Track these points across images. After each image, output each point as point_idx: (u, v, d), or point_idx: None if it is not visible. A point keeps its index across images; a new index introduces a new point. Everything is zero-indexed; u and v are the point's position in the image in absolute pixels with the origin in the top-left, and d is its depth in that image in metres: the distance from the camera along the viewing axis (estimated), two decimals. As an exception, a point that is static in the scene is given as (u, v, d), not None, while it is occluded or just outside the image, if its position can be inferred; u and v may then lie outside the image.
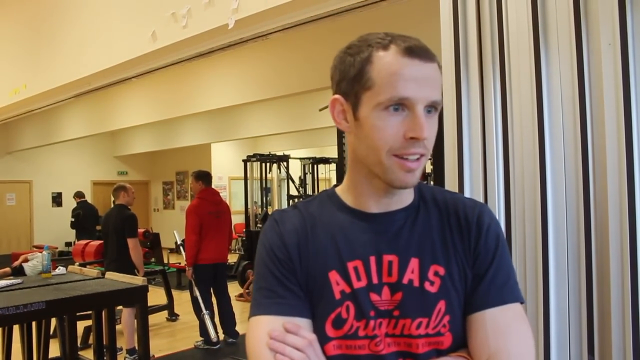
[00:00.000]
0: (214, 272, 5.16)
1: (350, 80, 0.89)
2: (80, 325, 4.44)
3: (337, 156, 4.83)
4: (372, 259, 0.91)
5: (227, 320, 5.26)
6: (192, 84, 6.90)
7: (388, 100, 0.84)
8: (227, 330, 5.26)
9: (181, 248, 5.77)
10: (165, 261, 8.53)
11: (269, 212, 8.44)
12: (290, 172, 9.08)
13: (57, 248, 11.03)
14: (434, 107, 0.87)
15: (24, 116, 6.73)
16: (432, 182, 4.18)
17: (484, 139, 1.81)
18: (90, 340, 4.66)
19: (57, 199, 12.84)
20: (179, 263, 8.60)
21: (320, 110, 5.82)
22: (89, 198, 11.32)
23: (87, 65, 4.52)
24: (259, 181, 9.06)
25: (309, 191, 9.46)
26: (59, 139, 10.15)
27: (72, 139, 10.21)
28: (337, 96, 0.93)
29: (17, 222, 12.30)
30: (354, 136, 0.92)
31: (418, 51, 0.85)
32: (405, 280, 0.90)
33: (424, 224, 0.95)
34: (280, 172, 9.90)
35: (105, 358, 3.31)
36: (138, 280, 3.28)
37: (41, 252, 3.72)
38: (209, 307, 5.08)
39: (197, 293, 5.06)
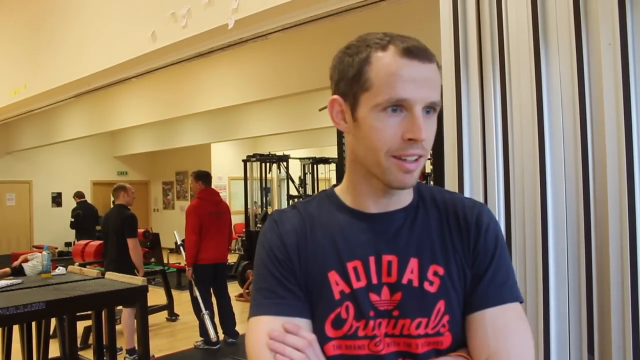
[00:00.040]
0: (213, 272, 5.16)
1: (349, 80, 0.89)
2: (80, 326, 4.44)
3: (336, 156, 4.83)
4: (372, 259, 0.91)
5: (227, 320, 5.26)
6: (192, 84, 6.90)
7: (386, 101, 0.84)
8: (227, 330, 5.26)
9: (181, 248, 5.77)
10: (165, 261, 8.53)
11: (269, 212, 8.43)
12: (290, 172, 9.08)
13: (56, 248, 11.03)
14: (432, 108, 0.87)
15: (24, 116, 6.73)
16: (431, 182, 4.18)
17: (484, 139, 1.81)
18: (90, 341, 4.66)
19: (56, 199, 12.84)
20: (179, 263, 8.60)
21: (320, 110, 5.83)
22: (88, 198, 11.31)
23: (87, 65, 4.52)
24: (258, 181, 9.06)
25: (309, 191, 9.46)
26: (59, 139, 10.14)
27: (72, 139, 10.21)
28: (335, 96, 0.93)
29: (17, 222, 12.30)
30: (353, 137, 0.92)
31: (416, 52, 0.85)
32: (404, 280, 0.90)
33: (423, 224, 0.94)
34: (280, 172, 9.90)
35: (105, 358, 3.31)
36: (138, 280, 3.28)
37: (41, 252, 3.71)
38: (209, 307, 5.08)
39: (197, 293, 5.06)
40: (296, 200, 8.26)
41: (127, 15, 4.08)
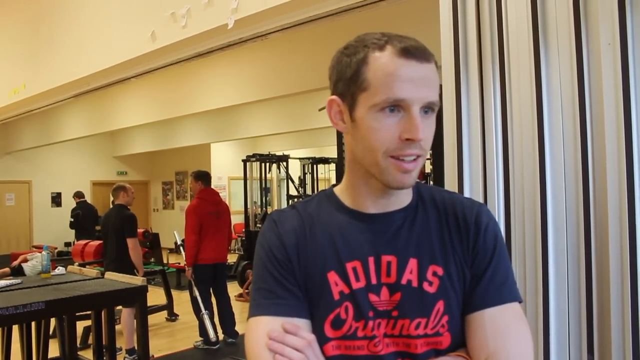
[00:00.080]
0: (213, 272, 5.16)
1: (347, 81, 0.89)
2: (80, 326, 4.43)
3: (336, 156, 4.83)
4: (371, 260, 0.91)
5: (227, 320, 5.26)
6: (192, 84, 6.90)
7: (383, 101, 0.84)
8: (226, 330, 5.26)
9: (181, 248, 5.77)
10: (165, 261, 8.53)
11: (268, 212, 8.43)
12: (290, 172, 9.08)
13: (56, 248, 11.03)
14: (430, 108, 0.86)
15: (23, 116, 6.73)
16: (431, 182, 4.17)
17: (484, 139, 1.81)
18: (90, 341, 4.65)
19: (56, 199, 12.83)
20: (179, 263, 8.60)
21: (320, 110, 5.83)
22: (88, 198, 11.31)
23: (86, 65, 4.52)
24: (258, 181, 9.06)
25: (309, 191, 9.46)
26: (59, 139, 10.14)
27: (72, 139, 10.20)
28: (333, 97, 0.93)
29: (17, 222, 12.30)
30: (351, 137, 0.92)
31: (414, 52, 0.85)
32: (403, 281, 0.90)
33: (423, 224, 0.94)
34: (279, 172, 9.90)
35: (104, 358, 3.31)
36: (137, 280, 3.28)
37: (40, 252, 3.71)
38: (209, 307, 5.08)
39: (197, 293, 5.06)
40: (296, 200, 8.26)
41: (127, 15, 4.08)
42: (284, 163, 8.97)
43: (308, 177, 9.70)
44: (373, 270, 0.91)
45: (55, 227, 12.19)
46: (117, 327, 4.29)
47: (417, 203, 0.97)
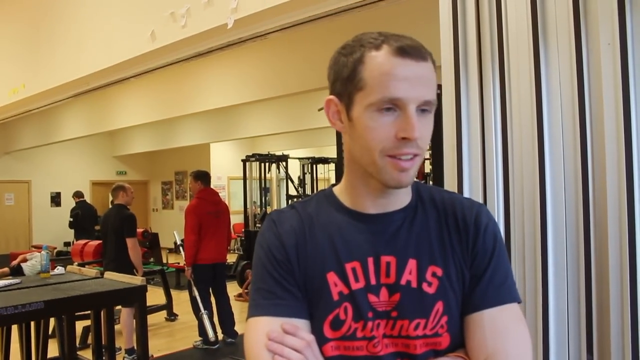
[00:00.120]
0: (213, 272, 5.16)
1: (344, 80, 0.89)
2: (79, 325, 4.43)
3: (336, 156, 4.83)
4: (370, 260, 0.91)
5: (226, 320, 5.26)
6: (191, 84, 6.90)
7: (379, 100, 0.84)
8: (226, 330, 5.26)
9: (181, 248, 5.77)
10: (164, 261, 8.54)
11: (268, 212, 8.43)
12: (289, 172, 9.08)
13: (55, 248, 11.02)
14: (428, 107, 0.86)
15: (23, 116, 6.73)
16: (431, 182, 4.17)
17: (483, 139, 1.81)
18: (89, 340, 4.65)
19: (55, 199, 12.83)
20: (178, 263, 8.60)
21: (319, 110, 5.82)
22: (87, 198, 11.31)
23: (85, 65, 4.52)
24: (257, 181, 9.06)
25: (308, 191, 9.46)
26: (58, 138, 10.14)
27: (71, 139, 10.20)
28: (331, 97, 0.93)
29: (16, 222, 12.29)
30: (349, 137, 0.92)
31: (410, 51, 0.84)
32: (403, 282, 0.90)
33: (422, 224, 0.94)
34: (279, 172, 9.89)
35: (104, 358, 3.31)
36: (137, 280, 3.27)
37: (40, 252, 3.71)
38: (208, 307, 5.08)
39: (196, 293, 5.05)
40: (295, 200, 8.26)
41: (126, 15, 4.08)
42: (284, 163, 8.97)
43: (307, 177, 9.70)
44: (372, 270, 0.91)
45: (54, 227, 12.19)
46: (117, 327, 4.29)
47: (417, 203, 0.96)
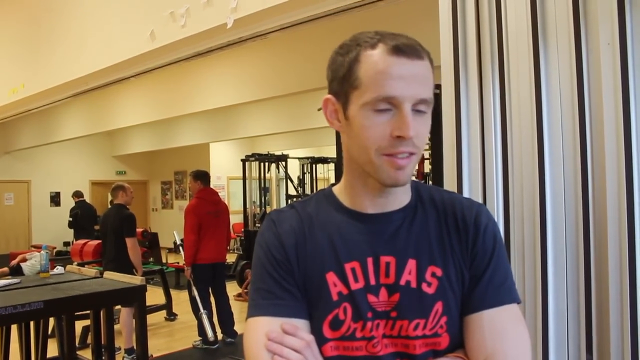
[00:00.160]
0: (212, 271, 5.16)
1: (340, 79, 0.89)
2: (79, 325, 4.43)
3: (335, 156, 4.83)
4: (370, 260, 0.91)
5: (226, 319, 5.25)
6: (191, 84, 6.89)
7: (374, 99, 0.84)
8: (225, 329, 5.25)
9: (181, 248, 5.77)
10: (164, 261, 8.53)
11: (267, 212, 8.43)
12: (289, 171, 9.08)
13: (55, 248, 11.01)
14: (424, 105, 0.86)
15: (22, 115, 6.73)
16: (430, 182, 4.17)
17: (483, 139, 1.81)
18: (89, 340, 4.65)
19: (55, 199, 12.83)
20: (178, 263, 8.60)
21: (319, 110, 5.79)
22: (87, 198, 11.31)
23: (85, 64, 4.52)
24: (257, 181, 9.06)
25: (308, 191, 9.46)
26: (57, 138, 10.13)
27: (70, 139, 10.20)
28: (328, 96, 0.93)
29: (15, 221, 12.29)
30: (346, 136, 0.92)
31: (405, 49, 0.84)
32: (402, 282, 0.90)
33: (422, 224, 0.94)
34: (278, 172, 9.89)
35: (103, 358, 3.31)
36: (136, 279, 3.27)
37: (39, 252, 3.71)
38: (208, 306, 5.08)
39: (195, 292, 5.05)
40: (295, 199, 8.26)
41: (126, 15, 4.07)
42: (283, 163, 8.97)
43: (307, 176, 9.71)
44: (372, 270, 0.91)
45: (54, 227, 12.19)
46: (116, 326, 4.28)
47: (416, 203, 0.96)
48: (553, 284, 1.62)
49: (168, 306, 6.30)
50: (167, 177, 14.44)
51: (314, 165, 9.73)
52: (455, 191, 1.82)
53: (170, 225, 12.02)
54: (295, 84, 5.58)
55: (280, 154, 9.09)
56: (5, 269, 3.69)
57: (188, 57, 3.89)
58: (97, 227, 8.54)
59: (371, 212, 0.94)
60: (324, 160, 9.70)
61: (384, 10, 3.29)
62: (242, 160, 8.95)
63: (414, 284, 0.90)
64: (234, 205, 11.90)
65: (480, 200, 1.78)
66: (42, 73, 5.17)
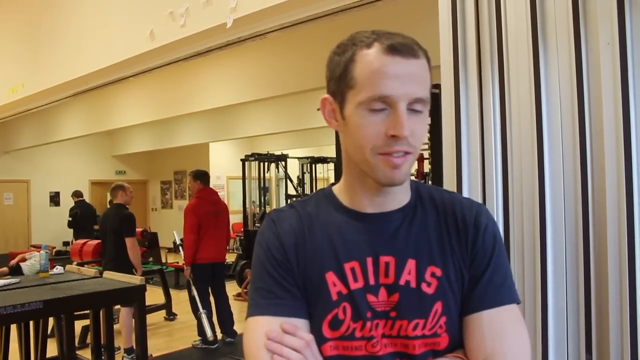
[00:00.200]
0: (212, 271, 5.16)
1: (337, 79, 0.90)
2: (78, 325, 4.43)
3: (335, 155, 4.83)
4: (369, 260, 0.91)
5: (226, 319, 5.25)
6: (190, 83, 6.89)
7: (369, 98, 0.84)
8: (225, 329, 5.25)
9: (180, 248, 5.77)
10: (163, 260, 8.53)
11: (267, 212, 8.43)
12: (289, 171, 9.08)
13: (54, 247, 11.00)
14: (420, 104, 0.86)
15: (22, 115, 6.72)
16: (430, 182, 4.18)
17: (483, 139, 1.81)
18: (88, 340, 4.65)
19: (54, 199, 12.82)
20: (177, 262, 8.59)
21: (318, 110, 5.81)
22: (86, 197, 11.30)
23: (84, 64, 4.52)
24: (257, 181, 9.05)
25: (307, 191, 9.46)
26: (57, 138, 10.13)
27: (70, 138, 10.19)
28: (326, 96, 0.93)
29: (15, 221, 12.28)
30: (344, 135, 0.92)
31: (401, 48, 0.84)
32: (402, 282, 0.90)
33: (421, 224, 0.94)
34: (278, 172, 9.89)
35: (103, 357, 3.31)
36: (136, 279, 3.27)
37: (39, 252, 3.71)
38: (207, 306, 5.08)
39: (195, 292, 5.05)
40: (294, 199, 8.26)
41: (125, 14, 4.07)
42: (283, 162, 8.97)
43: (307, 176, 9.70)
44: (371, 270, 0.91)
45: (53, 227, 12.18)
46: (116, 326, 4.29)
47: (416, 203, 0.96)
48: (552, 284, 1.62)
49: (167, 306, 6.30)
50: (167, 176, 14.44)
51: (313, 165, 9.73)
52: (455, 191, 1.82)
53: (169, 225, 12.02)
54: (295, 83, 5.58)
55: (280, 153, 9.09)
56: (5, 268, 3.69)
57: (188, 57, 3.89)
58: (96, 227, 8.53)
59: (370, 211, 0.94)
60: (323, 160, 9.70)
61: (384, 10, 3.28)
62: (241, 160, 8.95)
63: (413, 284, 0.90)
64: (234, 205, 11.90)
65: (479, 200, 1.78)
66: (42, 73, 5.16)
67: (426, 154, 4.02)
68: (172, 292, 6.67)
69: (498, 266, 0.93)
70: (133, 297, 3.22)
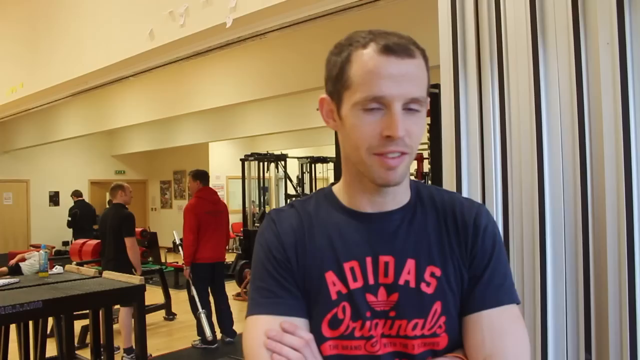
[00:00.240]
0: (211, 271, 5.16)
1: (333, 79, 0.90)
2: (78, 325, 4.43)
3: (334, 155, 4.83)
4: (369, 260, 0.91)
5: (225, 319, 5.25)
6: (190, 83, 6.89)
7: (364, 99, 0.85)
8: (224, 329, 5.25)
9: (180, 247, 5.77)
10: (163, 260, 8.52)
11: (267, 212, 8.43)
12: (288, 171, 9.08)
13: (54, 247, 11.00)
14: (416, 104, 0.86)
15: (21, 115, 6.71)
16: (429, 182, 4.18)
17: (482, 138, 1.81)
18: (88, 340, 4.65)
19: (54, 198, 12.81)
20: (177, 262, 8.60)
21: (318, 109, 5.82)
22: (86, 197, 11.30)
23: (84, 63, 4.51)
24: (256, 180, 9.06)
25: (307, 190, 9.47)
26: (56, 138, 10.12)
27: (70, 138, 10.18)
28: (324, 96, 0.94)
29: (14, 221, 12.27)
30: (341, 135, 0.92)
31: (396, 48, 0.84)
32: (401, 281, 0.90)
33: (421, 224, 0.94)
34: (278, 172, 9.90)
35: (102, 357, 3.31)
36: (135, 279, 3.27)
37: (38, 251, 3.71)
38: (207, 306, 5.08)
39: (194, 292, 5.05)
40: (294, 199, 8.24)
41: (125, 14, 4.07)
42: (282, 162, 8.97)
43: (306, 176, 9.71)
44: (371, 270, 0.91)
45: (53, 226, 12.17)
46: (115, 326, 4.29)
47: (416, 203, 0.96)
48: (552, 284, 1.62)
49: (167, 306, 6.30)
50: (166, 176, 14.43)
51: (313, 165, 9.74)
52: (455, 190, 1.82)
53: (169, 225, 12.03)
54: (294, 83, 5.58)
55: (280, 153, 9.09)
56: (4, 268, 3.70)
57: (187, 57, 3.88)
58: (96, 227, 8.54)
59: (370, 211, 0.94)
60: (323, 160, 9.71)
61: (383, 9, 3.28)
62: (241, 159, 8.95)
63: (412, 284, 0.90)
64: (233, 204, 11.90)
65: (479, 200, 1.78)
66: (41, 72, 5.16)
67: (425, 154, 4.02)
68: (172, 292, 6.67)
69: (498, 266, 0.93)
70: (132, 297, 3.22)
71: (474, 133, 1.82)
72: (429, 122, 3.77)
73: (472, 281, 0.92)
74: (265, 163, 9.02)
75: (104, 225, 4.97)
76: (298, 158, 9.90)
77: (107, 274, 3.54)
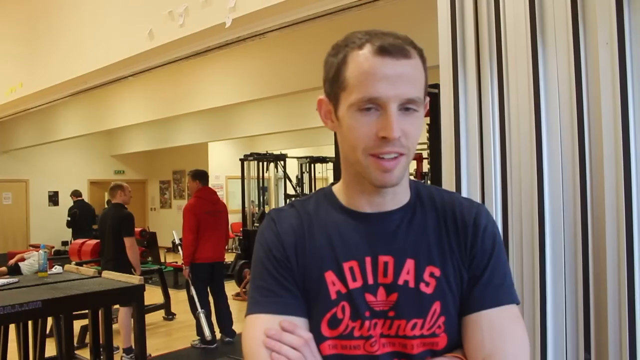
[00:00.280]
0: (211, 271, 5.16)
1: (331, 81, 0.90)
2: (77, 325, 4.43)
3: (334, 155, 4.83)
4: (368, 260, 0.91)
5: (224, 319, 5.25)
6: (189, 83, 6.88)
7: (359, 100, 0.85)
8: (224, 329, 5.25)
9: (180, 247, 5.77)
10: (162, 260, 8.53)
11: (266, 212, 8.44)
12: (288, 171, 9.08)
13: (53, 247, 11.00)
14: (412, 105, 0.86)
15: (20, 115, 6.71)
16: (429, 181, 4.18)
17: (482, 138, 1.81)
18: (87, 340, 4.65)
19: (53, 198, 12.81)
20: (176, 262, 8.60)
21: (317, 110, 5.81)
22: (85, 197, 11.30)
23: (83, 63, 4.51)
24: (256, 180, 9.06)
25: (306, 190, 9.47)
26: (56, 137, 10.11)
27: (69, 138, 10.18)
28: (321, 97, 0.94)
29: (14, 221, 12.27)
30: (339, 136, 0.93)
31: (391, 49, 0.84)
32: (400, 281, 0.90)
33: (420, 224, 0.94)
34: (277, 171, 9.90)
35: (101, 357, 3.31)
36: (135, 279, 3.27)
37: (37, 251, 3.70)
38: (206, 306, 5.08)
39: (193, 292, 5.05)
40: (293, 199, 8.25)
41: (124, 14, 4.07)
42: (282, 162, 8.97)
43: (306, 176, 9.71)
44: (370, 270, 0.91)
45: (52, 226, 12.17)
46: (115, 326, 4.29)
47: (415, 203, 0.96)
48: (551, 284, 1.62)
49: (166, 306, 6.30)
50: (166, 176, 14.43)
51: (312, 165, 9.74)
52: (454, 190, 1.82)
53: (168, 225, 12.02)
54: (294, 83, 5.58)
55: (279, 153, 9.09)
56: (4, 268, 3.69)
57: (186, 57, 3.88)
58: (95, 227, 8.53)
59: (369, 211, 0.94)
60: (322, 160, 9.71)
61: (383, 9, 3.28)
62: (240, 159, 8.95)
63: (412, 284, 0.90)
64: (233, 204, 11.90)
65: (478, 199, 1.79)
66: (41, 72, 5.16)
67: (425, 154, 4.03)
68: (171, 291, 6.67)
69: (497, 266, 0.93)
70: (132, 296, 3.21)
71: (473, 133, 1.82)
72: (429, 122, 3.78)
73: (471, 281, 0.92)
74: (265, 163, 9.03)
75: (103, 225, 4.97)
76: (297, 158, 9.91)
77: (106, 273, 3.54)
